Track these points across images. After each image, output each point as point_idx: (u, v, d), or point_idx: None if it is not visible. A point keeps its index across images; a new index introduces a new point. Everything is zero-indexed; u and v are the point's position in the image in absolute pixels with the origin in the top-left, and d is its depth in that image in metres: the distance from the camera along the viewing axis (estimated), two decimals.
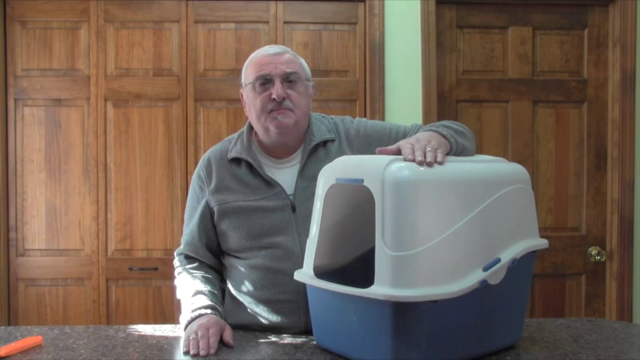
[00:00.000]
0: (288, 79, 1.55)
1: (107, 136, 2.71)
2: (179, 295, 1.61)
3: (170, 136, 2.72)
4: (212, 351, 1.35)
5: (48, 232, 2.71)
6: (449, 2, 2.78)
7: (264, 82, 1.55)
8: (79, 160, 2.71)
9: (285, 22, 2.74)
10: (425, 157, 1.22)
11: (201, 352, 1.34)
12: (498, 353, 1.32)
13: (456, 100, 2.81)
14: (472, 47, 2.82)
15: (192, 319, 1.48)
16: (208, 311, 1.50)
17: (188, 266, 1.64)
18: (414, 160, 1.22)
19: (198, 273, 1.61)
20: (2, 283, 2.68)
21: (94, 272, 2.70)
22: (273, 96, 1.52)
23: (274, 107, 1.53)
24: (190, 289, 1.56)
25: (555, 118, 2.84)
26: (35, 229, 2.71)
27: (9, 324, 2.69)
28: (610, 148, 2.82)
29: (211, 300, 1.54)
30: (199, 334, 1.39)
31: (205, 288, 1.57)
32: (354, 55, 2.77)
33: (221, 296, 1.62)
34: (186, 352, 1.35)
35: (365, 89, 2.75)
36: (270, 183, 1.56)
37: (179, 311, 1.57)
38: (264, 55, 1.58)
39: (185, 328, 1.49)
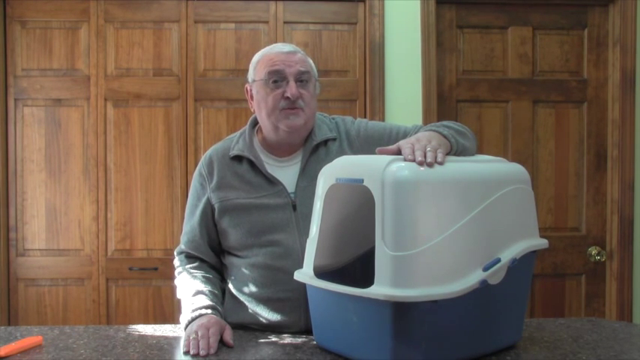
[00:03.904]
0: (301, 79, 1.56)
1: (107, 136, 2.71)
2: (179, 294, 1.61)
3: (170, 136, 2.72)
4: (212, 351, 1.35)
5: (48, 232, 2.71)
6: (449, 2, 2.78)
7: (278, 79, 1.55)
8: (79, 160, 2.71)
9: (285, 22, 2.74)
10: (425, 157, 1.22)
11: (201, 352, 1.34)
12: (498, 353, 1.32)
13: (456, 100, 2.81)
14: (472, 47, 2.82)
15: (193, 319, 1.48)
16: (209, 311, 1.50)
17: (188, 266, 1.64)
18: (414, 160, 1.22)
19: (199, 273, 1.61)
20: (2, 283, 2.68)
21: (94, 272, 2.70)
22: (287, 94, 1.52)
23: (287, 106, 1.53)
24: (191, 289, 1.56)
25: (555, 118, 2.84)
26: (35, 229, 2.71)
27: (9, 324, 2.69)
28: (610, 148, 2.82)
29: (212, 300, 1.54)
30: (199, 334, 1.39)
31: (206, 288, 1.57)
32: (354, 55, 2.77)
33: (221, 296, 1.62)
34: (186, 352, 1.35)
35: (365, 89, 2.75)
36: (271, 181, 1.57)
37: (179, 311, 1.57)
38: (278, 52, 1.58)
39: (185, 328, 1.49)
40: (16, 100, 2.70)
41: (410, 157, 1.22)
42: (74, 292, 2.71)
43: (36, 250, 2.71)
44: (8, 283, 2.71)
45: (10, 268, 2.70)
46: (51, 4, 2.70)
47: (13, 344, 1.36)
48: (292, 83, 1.54)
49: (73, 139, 2.71)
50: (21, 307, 2.71)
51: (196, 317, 1.48)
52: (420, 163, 1.21)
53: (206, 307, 1.50)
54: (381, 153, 1.30)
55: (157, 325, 1.61)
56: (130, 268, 2.70)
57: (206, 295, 1.55)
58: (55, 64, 2.71)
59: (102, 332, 1.53)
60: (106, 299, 2.70)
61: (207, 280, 1.60)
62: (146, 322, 2.68)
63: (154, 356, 1.34)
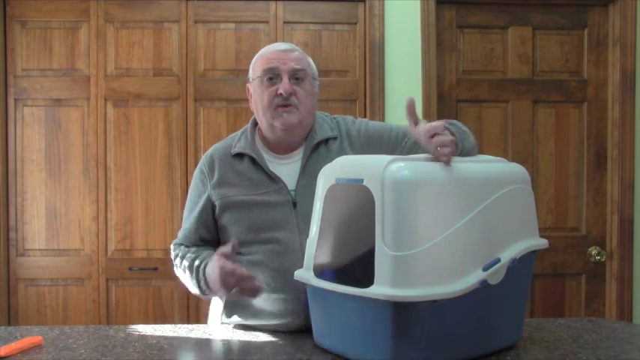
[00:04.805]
0: (296, 76, 1.56)
1: (107, 136, 2.71)
2: (184, 278, 1.60)
3: (170, 136, 2.72)
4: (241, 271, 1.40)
5: (48, 232, 2.71)
6: (449, 2, 2.78)
7: (272, 76, 1.56)
8: (79, 160, 2.71)
9: (285, 22, 2.74)
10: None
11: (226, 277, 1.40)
12: (498, 353, 1.32)
13: (456, 100, 2.81)
14: (472, 47, 2.82)
15: (202, 275, 1.51)
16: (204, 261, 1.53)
17: (185, 250, 1.64)
18: (444, 157, 1.23)
19: (197, 249, 1.63)
20: (2, 283, 2.68)
21: (94, 272, 2.70)
22: (280, 91, 1.53)
23: (280, 103, 1.54)
24: (191, 261, 1.58)
25: (555, 118, 2.84)
26: (35, 229, 2.71)
27: (9, 324, 2.69)
28: (610, 148, 2.82)
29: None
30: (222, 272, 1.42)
31: (204, 254, 1.59)
32: (354, 55, 2.77)
33: None
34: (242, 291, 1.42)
35: (365, 89, 2.75)
36: (272, 178, 1.57)
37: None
38: (274, 50, 1.60)
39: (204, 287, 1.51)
40: (16, 100, 2.70)
41: (441, 149, 1.24)
42: (74, 292, 2.71)
43: (36, 250, 2.71)
44: (8, 283, 2.71)
45: (10, 268, 2.70)
46: (51, 4, 2.70)
47: (13, 344, 1.36)
48: (285, 80, 1.54)
49: (73, 139, 2.71)
50: (21, 307, 2.71)
51: (203, 274, 1.51)
52: (444, 159, 1.23)
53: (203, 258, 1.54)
54: (410, 104, 1.29)
55: (157, 325, 1.60)
56: (130, 268, 2.70)
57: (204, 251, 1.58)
58: (55, 64, 2.71)
59: (102, 332, 1.53)
60: (106, 299, 2.70)
61: (205, 250, 1.62)
62: (146, 322, 2.67)
63: (153, 356, 1.34)
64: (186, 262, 1.58)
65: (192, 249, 1.63)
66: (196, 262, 1.55)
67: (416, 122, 1.31)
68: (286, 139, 1.60)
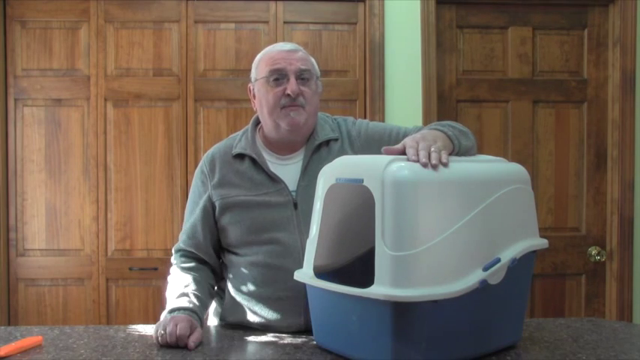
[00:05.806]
0: (302, 76, 1.56)
1: (107, 136, 2.71)
2: (167, 293, 1.58)
3: (170, 136, 2.72)
4: (175, 339, 1.37)
5: (48, 232, 2.71)
6: (449, 2, 2.78)
7: (279, 77, 1.55)
8: (79, 160, 2.71)
9: (285, 22, 2.74)
10: (430, 158, 1.21)
11: (169, 339, 1.36)
12: (498, 353, 1.32)
13: (456, 100, 2.81)
14: (472, 47, 2.82)
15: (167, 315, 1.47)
16: (185, 313, 1.47)
17: (183, 265, 1.62)
18: (417, 161, 1.21)
19: (190, 274, 1.59)
20: (2, 283, 2.68)
21: (94, 272, 2.70)
22: (288, 91, 1.53)
23: (287, 103, 1.54)
24: (177, 290, 1.54)
25: (555, 118, 2.84)
26: (35, 229, 2.71)
27: (9, 324, 2.70)
28: (610, 148, 2.82)
29: (193, 304, 1.51)
30: (167, 329, 1.38)
31: (192, 291, 1.54)
32: (354, 55, 2.77)
33: (210, 299, 1.61)
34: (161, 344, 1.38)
35: (365, 89, 2.75)
36: (273, 179, 1.57)
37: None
38: (279, 50, 1.59)
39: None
40: (16, 100, 2.70)
41: (413, 157, 1.21)
42: (74, 292, 2.71)
43: (36, 250, 2.71)
44: (8, 283, 2.71)
45: (10, 268, 2.70)
46: (51, 4, 2.71)
47: (13, 344, 1.36)
48: (293, 80, 1.54)
49: (73, 139, 2.71)
50: (21, 307, 2.71)
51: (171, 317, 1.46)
52: (424, 165, 1.20)
53: (184, 309, 1.47)
54: (387, 153, 1.28)
55: None
56: (130, 268, 2.70)
57: (189, 297, 1.52)
58: (55, 64, 2.71)
59: (102, 332, 1.53)
60: (106, 299, 2.70)
61: (196, 283, 1.57)
62: (146, 322, 2.67)
63: (154, 356, 1.34)
64: (171, 291, 1.56)
65: (186, 274, 1.59)
66: (176, 297, 1.53)
67: (402, 151, 1.27)
68: (290, 139, 1.59)
